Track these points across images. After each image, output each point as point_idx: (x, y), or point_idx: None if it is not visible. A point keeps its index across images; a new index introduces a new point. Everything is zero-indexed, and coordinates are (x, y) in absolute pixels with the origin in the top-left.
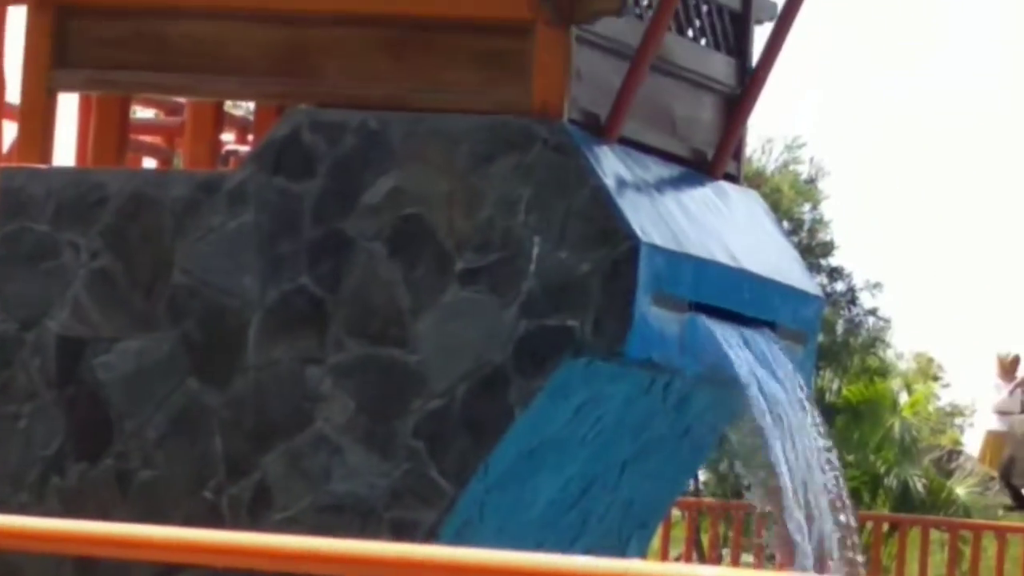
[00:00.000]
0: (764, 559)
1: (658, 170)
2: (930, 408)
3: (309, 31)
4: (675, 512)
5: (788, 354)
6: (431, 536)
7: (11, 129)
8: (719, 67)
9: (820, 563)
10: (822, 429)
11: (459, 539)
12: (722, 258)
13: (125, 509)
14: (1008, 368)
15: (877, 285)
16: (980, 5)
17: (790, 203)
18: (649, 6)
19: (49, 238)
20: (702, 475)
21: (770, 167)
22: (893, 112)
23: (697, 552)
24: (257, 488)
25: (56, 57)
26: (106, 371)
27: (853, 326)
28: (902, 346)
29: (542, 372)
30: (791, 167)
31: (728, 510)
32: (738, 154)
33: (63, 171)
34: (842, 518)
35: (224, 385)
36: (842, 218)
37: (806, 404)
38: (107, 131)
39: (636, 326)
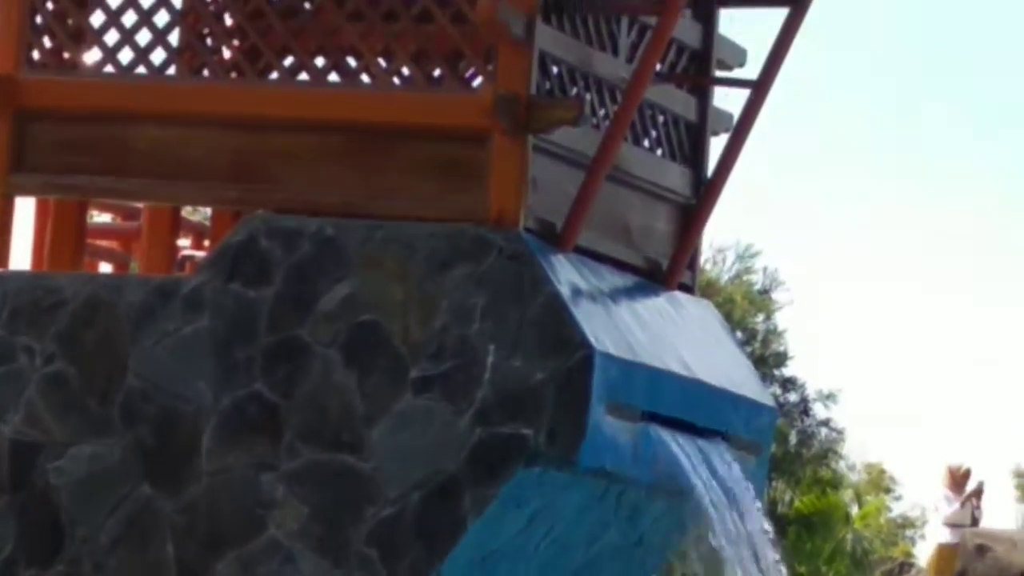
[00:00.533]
0: None
1: (613, 279)
2: (881, 520)
3: (267, 137)
4: None
5: (741, 464)
6: None
7: None
8: (674, 177)
9: None
10: (774, 540)
11: None
12: (676, 368)
13: None
14: (959, 481)
15: (830, 396)
16: (946, 104)
17: (744, 313)
18: (606, 116)
19: (4, 342)
20: None
21: (724, 277)
22: (848, 221)
23: None
24: None
25: (13, 161)
26: (59, 476)
27: (806, 437)
28: (854, 457)
29: (495, 480)
30: (745, 277)
31: None
32: (692, 264)
33: (19, 275)
34: None
35: (177, 491)
36: (796, 328)
37: (758, 515)
38: (64, 235)
39: (590, 435)
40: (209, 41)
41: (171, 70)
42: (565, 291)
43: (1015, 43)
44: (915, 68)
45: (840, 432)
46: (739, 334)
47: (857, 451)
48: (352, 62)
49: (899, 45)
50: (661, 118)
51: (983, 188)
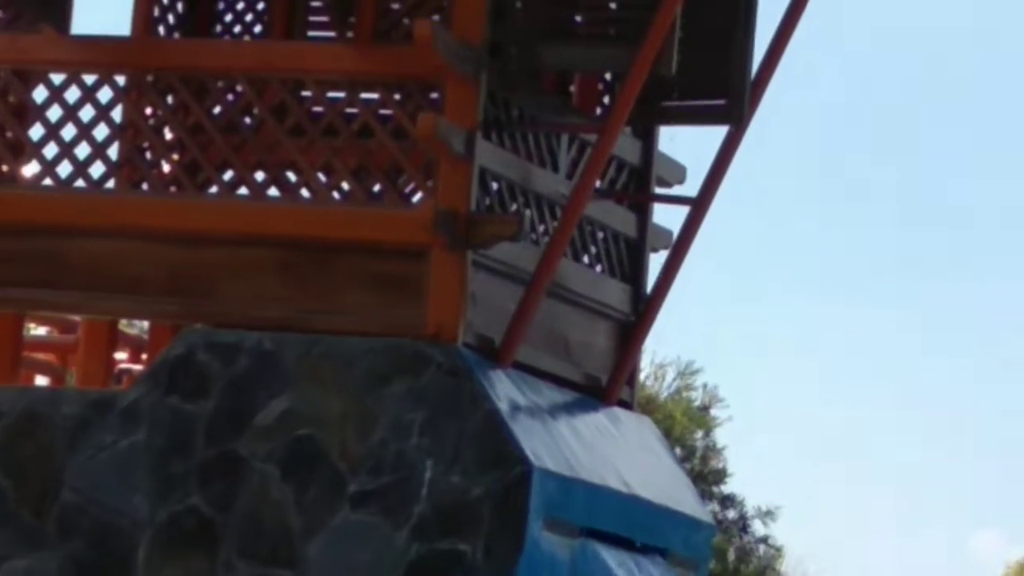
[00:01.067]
0: None
1: (552, 395)
2: None
3: (206, 251)
4: None
5: None
6: None
7: None
8: (614, 293)
9: None
10: None
11: None
12: (614, 484)
13: None
14: None
15: (769, 513)
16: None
17: (683, 430)
18: (545, 232)
19: None
20: None
21: (664, 393)
22: (788, 339)
23: None
24: None
25: None
26: None
27: (744, 554)
28: (793, 574)
29: None
30: (684, 394)
31: None
32: (632, 380)
33: None
34: None
35: None
36: (735, 445)
37: None
38: (0, 348)
39: (527, 551)
40: (149, 155)
41: (110, 184)
42: (504, 407)
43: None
44: (858, 179)
45: (779, 549)
46: (678, 451)
47: (796, 568)
48: (292, 177)
49: (840, 157)
50: (601, 234)
51: (926, 306)
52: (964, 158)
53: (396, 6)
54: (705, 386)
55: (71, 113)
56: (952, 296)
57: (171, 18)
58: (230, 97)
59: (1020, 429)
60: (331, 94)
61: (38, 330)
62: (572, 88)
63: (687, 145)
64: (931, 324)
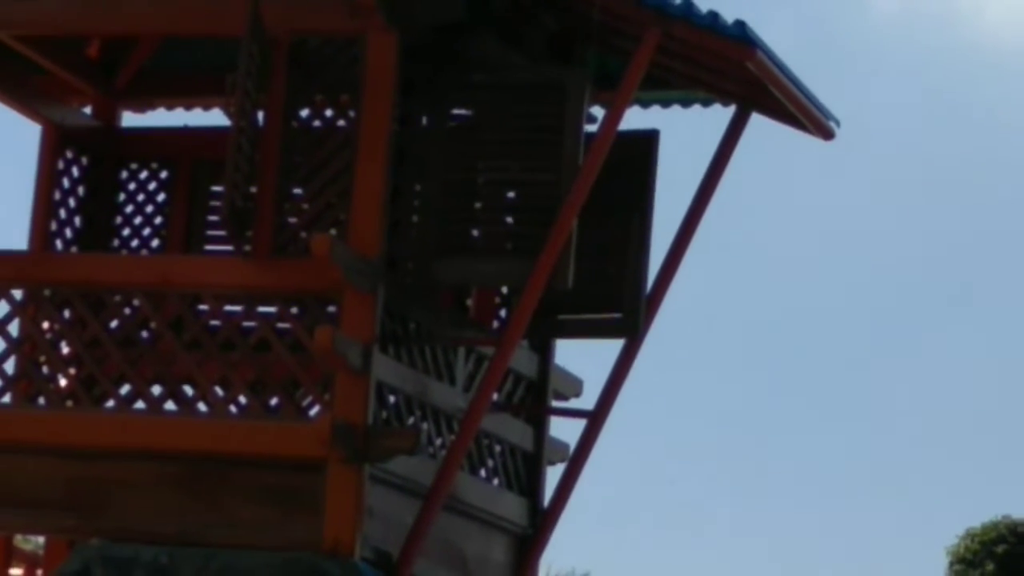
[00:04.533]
0: None
1: None
2: None
3: (102, 465)
4: None
5: None
6: None
7: None
8: (511, 507)
9: None
10: None
11: None
12: None
13: None
14: None
15: None
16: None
17: None
18: (443, 445)
19: None
20: None
21: None
22: (688, 541)
23: None
24: None
25: None
26: None
27: None
28: None
29: None
30: None
31: None
32: None
33: None
34: None
35: None
36: None
37: None
38: None
39: None
40: (45, 369)
41: (6, 398)
42: None
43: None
44: (760, 385)
45: None
46: None
47: None
48: (189, 391)
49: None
50: (498, 448)
51: (836, 488)
52: (879, 355)
53: (293, 220)
54: None
55: None
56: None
57: (68, 232)
58: (127, 311)
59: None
60: (228, 308)
61: None
62: (469, 302)
63: (585, 357)
64: (834, 545)
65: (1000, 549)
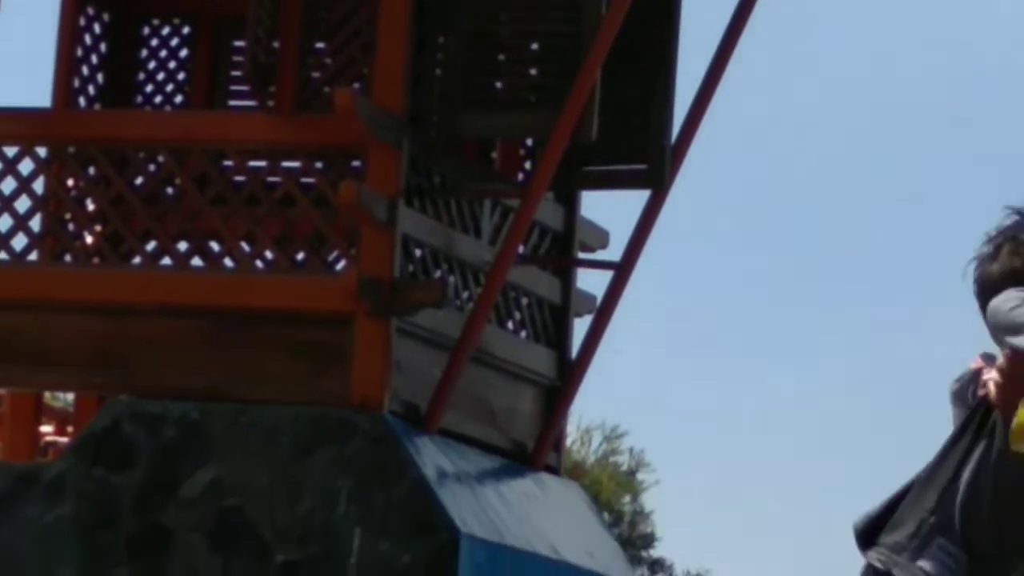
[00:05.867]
0: None
1: (478, 461)
2: None
3: (130, 322)
4: None
5: None
6: None
7: None
8: (539, 359)
9: None
10: None
11: None
12: (543, 550)
13: None
14: None
15: None
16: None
17: (610, 495)
18: (469, 298)
19: None
20: None
21: (590, 458)
22: (714, 399)
23: None
24: None
25: None
26: None
27: None
28: None
29: None
30: (611, 458)
31: None
32: (558, 445)
33: None
34: None
35: None
36: (663, 509)
37: None
38: None
39: None
40: (71, 226)
41: (33, 256)
42: (430, 474)
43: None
44: (773, 239)
45: None
46: (606, 515)
47: None
48: (215, 247)
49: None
50: (525, 300)
51: (852, 367)
52: (886, 215)
53: (316, 75)
54: (631, 450)
55: None
56: (879, 355)
57: (91, 89)
58: (152, 167)
59: None
60: (253, 163)
61: None
62: (494, 154)
63: (611, 209)
64: (855, 386)
65: None
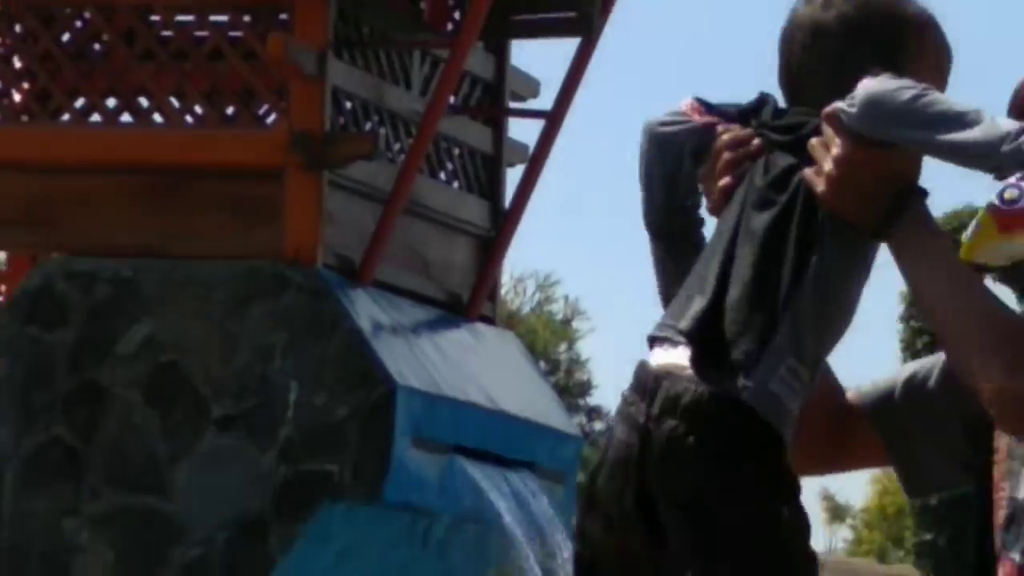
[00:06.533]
0: None
1: (414, 313)
2: None
3: (60, 180)
4: None
5: (548, 494)
6: None
7: None
8: (472, 210)
9: None
10: None
11: None
12: (479, 400)
13: None
14: None
15: None
16: None
17: (546, 343)
18: (401, 150)
19: None
20: None
21: (525, 307)
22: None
23: None
24: None
25: None
26: None
27: None
28: None
29: (302, 518)
30: (546, 307)
31: None
32: (493, 295)
33: None
34: None
35: None
36: (599, 356)
37: (566, 544)
38: None
39: (394, 470)
40: None
41: None
42: (365, 326)
43: None
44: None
45: None
46: (542, 364)
47: None
48: (144, 102)
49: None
50: (456, 151)
51: None
52: None
53: None
54: (566, 298)
55: None
56: None
57: None
58: (78, 24)
59: None
60: (180, 18)
61: None
62: (423, 4)
63: (542, 58)
64: None
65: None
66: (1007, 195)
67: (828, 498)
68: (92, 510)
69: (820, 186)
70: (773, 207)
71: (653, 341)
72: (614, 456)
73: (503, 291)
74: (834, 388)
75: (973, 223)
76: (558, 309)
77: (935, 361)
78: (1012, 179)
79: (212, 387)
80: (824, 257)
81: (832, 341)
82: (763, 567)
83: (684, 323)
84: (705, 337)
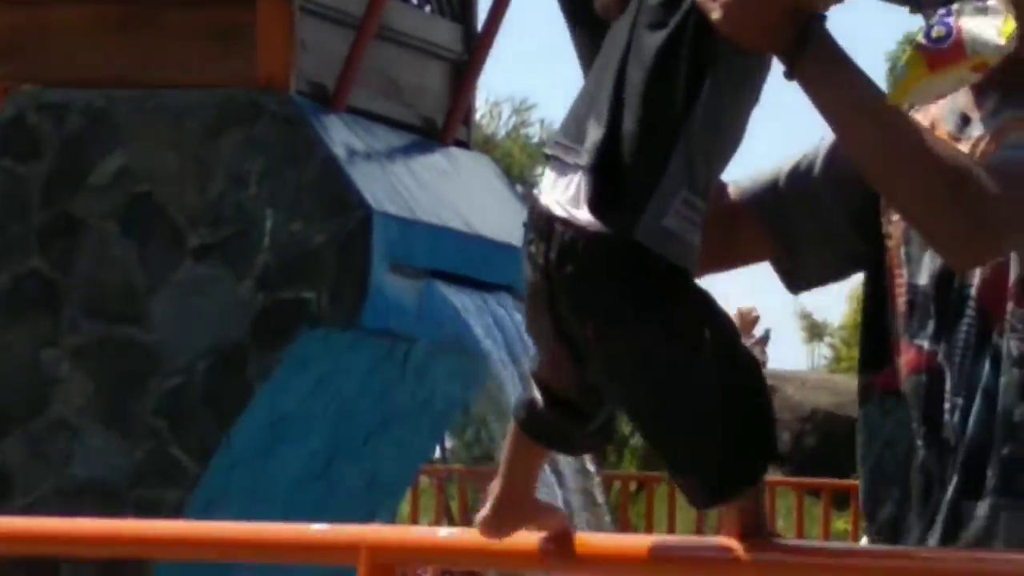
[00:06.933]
0: None
1: (388, 138)
2: None
3: (31, 10)
4: (423, 479)
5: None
6: (176, 514)
7: None
8: (445, 33)
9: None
10: None
11: (206, 516)
12: (456, 224)
13: None
14: (747, 325)
15: None
16: None
17: (522, 167)
18: None
19: None
20: (448, 442)
21: (501, 132)
22: None
23: (447, 518)
24: None
25: None
26: None
27: None
28: None
29: (280, 345)
30: (522, 131)
31: (475, 476)
32: (468, 120)
33: None
34: (587, 479)
35: None
36: None
37: None
38: None
39: (372, 295)
40: None
41: None
42: (340, 152)
43: None
44: None
45: None
46: (519, 188)
47: None
48: None
49: None
50: None
51: None
52: None
53: None
54: (542, 122)
55: None
56: None
57: None
58: None
59: None
60: None
61: None
62: None
63: None
64: None
65: None
66: (934, 33)
67: (805, 316)
68: (71, 341)
69: (715, 13)
70: (664, 28)
71: (548, 159)
72: (529, 292)
73: (478, 116)
74: (716, 187)
75: (901, 63)
76: (534, 133)
77: (817, 151)
78: (937, 16)
79: (187, 216)
80: (717, 84)
81: (721, 168)
82: (683, 381)
83: (584, 157)
84: (602, 170)
